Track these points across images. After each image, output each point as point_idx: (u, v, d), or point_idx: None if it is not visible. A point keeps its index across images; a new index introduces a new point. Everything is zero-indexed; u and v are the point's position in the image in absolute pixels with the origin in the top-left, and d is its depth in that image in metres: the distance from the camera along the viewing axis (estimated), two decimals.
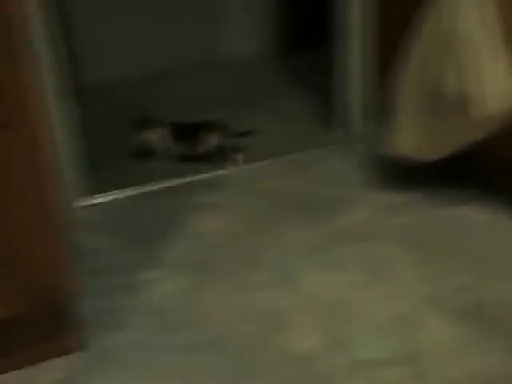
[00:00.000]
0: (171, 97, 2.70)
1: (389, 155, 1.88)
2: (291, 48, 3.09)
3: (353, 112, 2.23)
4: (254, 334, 1.41)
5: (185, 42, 2.94)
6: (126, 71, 2.82)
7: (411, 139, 1.76)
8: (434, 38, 1.63)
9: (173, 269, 1.65)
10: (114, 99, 2.69)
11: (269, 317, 1.46)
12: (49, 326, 1.36)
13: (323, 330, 1.41)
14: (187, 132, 2.19)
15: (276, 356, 1.35)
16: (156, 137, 2.19)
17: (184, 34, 2.92)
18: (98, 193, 1.98)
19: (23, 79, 1.15)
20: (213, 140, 2.17)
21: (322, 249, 1.70)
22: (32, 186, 1.21)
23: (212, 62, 2.98)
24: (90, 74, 2.74)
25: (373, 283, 1.55)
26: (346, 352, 1.34)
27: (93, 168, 2.01)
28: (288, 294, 1.53)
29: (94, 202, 1.96)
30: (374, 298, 1.51)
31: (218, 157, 2.16)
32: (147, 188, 2.03)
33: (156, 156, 2.19)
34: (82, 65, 2.71)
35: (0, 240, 1.22)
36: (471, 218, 1.77)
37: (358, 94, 2.20)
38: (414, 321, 1.42)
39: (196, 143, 2.18)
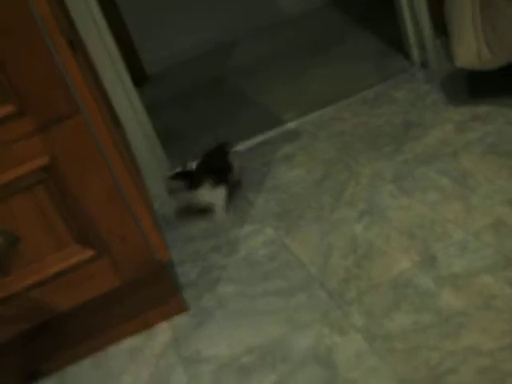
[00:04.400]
0: (243, 63, 2.75)
1: (458, 69, 1.82)
2: None
3: (423, 34, 2.17)
4: (344, 268, 1.42)
5: (241, 10, 2.95)
6: (187, 51, 2.88)
7: (469, 47, 1.69)
8: None
9: (259, 223, 1.69)
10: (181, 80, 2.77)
11: (354, 250, 1.46)
12: (151, 293, 1.43)
13: (413, 252, 1.40)
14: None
15: (369, 284, 1.35)
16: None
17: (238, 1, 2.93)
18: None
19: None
20: None
21: (403, 175, 1.68)
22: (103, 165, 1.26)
23: (271, 22, 2.99)
24: (152, 60, 2.82)
25: (457, 198, 1.52)
26: (437, 268, 1.33)
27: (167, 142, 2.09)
28: (372, 224, 1.53)
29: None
30: (459, 212, 1.47)
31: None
32: None
33: None
34: (143, 53, 2.80)
35: (99, 222, 1.29)
36: None
37: (425, 16, 2.14)
38: (502, 228, 1.38)
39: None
